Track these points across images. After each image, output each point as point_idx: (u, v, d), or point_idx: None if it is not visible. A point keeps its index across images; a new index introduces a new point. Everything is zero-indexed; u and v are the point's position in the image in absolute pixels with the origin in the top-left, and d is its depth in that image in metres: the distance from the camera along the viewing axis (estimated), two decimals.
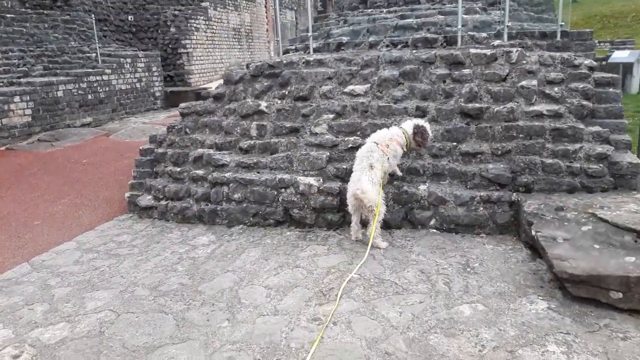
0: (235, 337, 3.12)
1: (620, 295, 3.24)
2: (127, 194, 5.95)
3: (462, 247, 4.31)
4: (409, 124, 4.62)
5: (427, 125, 4.64)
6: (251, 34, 20.55)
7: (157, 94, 14.25)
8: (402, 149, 4.57)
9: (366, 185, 4.20)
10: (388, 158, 4.47)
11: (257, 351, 2.97)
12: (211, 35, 17.16)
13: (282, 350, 2.97)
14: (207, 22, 16.87)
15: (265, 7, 22.31)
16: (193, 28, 16.07)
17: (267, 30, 21.49)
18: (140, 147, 6.31)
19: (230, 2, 18.63)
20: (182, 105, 6.22)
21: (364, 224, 4.54)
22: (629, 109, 10.12)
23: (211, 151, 5.51)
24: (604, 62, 14.75)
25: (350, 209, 4.46)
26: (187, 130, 6.04)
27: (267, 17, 21.77)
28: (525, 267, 3.88)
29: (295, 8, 27.40)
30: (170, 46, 15.82)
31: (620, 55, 14.81)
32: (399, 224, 4.81)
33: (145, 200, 5.66)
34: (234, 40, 18.92)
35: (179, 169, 5.62)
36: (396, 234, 4.67)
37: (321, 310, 3.39)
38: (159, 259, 4.40)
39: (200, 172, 5.40)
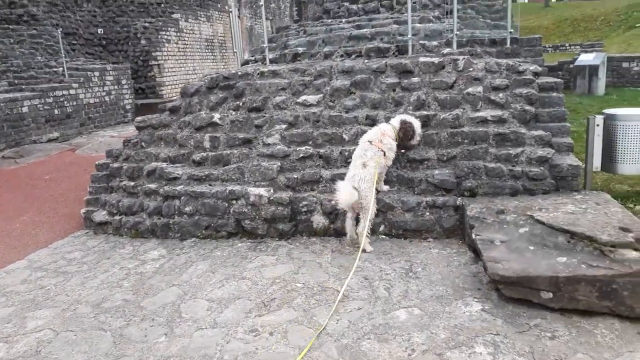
0: (170, 352, 3.13)
1: (551, 295, 3.32)
2: (82, 210, 5.91)
3: (409, 252, 4.38)
4: (396, 120, 4.73)
5: (414, 121, 4.73)
6: (224, 44, 20.58)
7: (128, 106, 14.18)
8: (395, 141, 4.64)
9: (360, 182, 4.30)
10: (384, 153, 4.53)
11: None
12: (183, 46, 17.16)
13: None
14: (178, 34, 16.86)
15: (239, 17, 22.37)
16: (164, 40, 16.06)
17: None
18: (96, 162, 6.28)
19: (202, 13, 18.66)
20: (138, 118, 6.22)
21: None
22: (594, 111, 10.34)
23: (164, 164, 5.51)
24: (571, 65, 15.11)
25: (343, 206, 4.44)
26: (143, 144, 6.04)
27: (240, 28, 21.82)
28: (466, 270, 3.95)
29: (271, 18, 27.54)
30: (141, 58, 15.77)
31: (586, 58, 15.13)
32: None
33: (100, 215, 5.63)
34: (206, 51, 18.94)
35: (133, 183, 5.61)
36: (346, 241, 4.72)
37: (260, 321, 3.41)
38: (106, 275, 4.38)
39: (153, 185, 5.40)
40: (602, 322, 3.13)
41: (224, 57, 20.38)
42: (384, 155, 4.54)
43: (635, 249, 3.39)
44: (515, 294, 3.40)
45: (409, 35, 6.19)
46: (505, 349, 2.94)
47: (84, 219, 5.87)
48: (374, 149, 4.49)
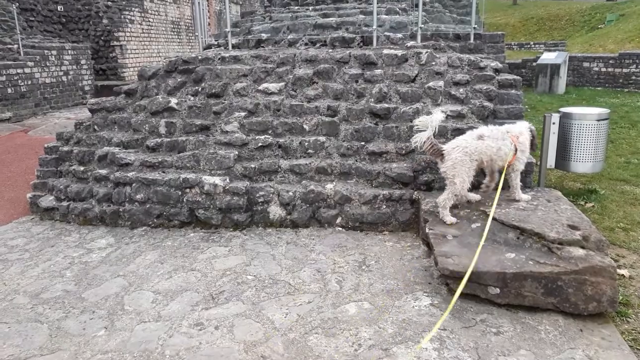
0: (108, 347, 3.00)
1: (498, 290, 3.36)
2: (29, 195, 5.63)
3: (363, 245, 4.35)
4: (524, 125, 4.23)
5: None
6: (192, 27, 20.04)
7: (87, 87, 13.63)
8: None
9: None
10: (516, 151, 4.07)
11: None
12: (147, 28, 16.60)
13: (155, 358, 2.87)
14: (142, 14, 16.30)
15: (208, 0, 21.83)
16: (127, 20, 15.49)
17: (209, 25, 21.02)
18: (45, 145, 5.99)
19: None
20: (91, 101, 5.95)
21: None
22: (553, 109, 10.59)
23: (116, 149, 5.29)
24: (534, 63, 15.42)
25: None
26: (96, 127, 5.79)
27: (209, 11, 21.29)
28: (418, 264, 3.96)
29: (240, 2, 27.01)
30: (102, 38, 15.17)
31: (548, 57, 15.45)
32: (306, 222, 4.80)
33: (47, 201, 5.37)
34: (172, 33, 18.40)
35: (83, 168, 5.37)
36: (302, 233, 4.66)
37: (206, 314, 3.31)
38: (48, 264, 4.18)
39: (104, 171, 5.18)
40: (546, 319, 3.18)
41: (190, 40, 19.86)
42: (515, 153, 4.06)
43: (582, 247, 3.45)
44: (465, 288, 3.40)
45: (374, 27, 6.13)
46: (451, 344, 2.94)
47: (30, 204, 5.60)
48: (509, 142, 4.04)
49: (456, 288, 3.44)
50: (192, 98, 5.59)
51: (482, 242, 3.48)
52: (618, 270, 3.70)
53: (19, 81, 11.36)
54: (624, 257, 3.98)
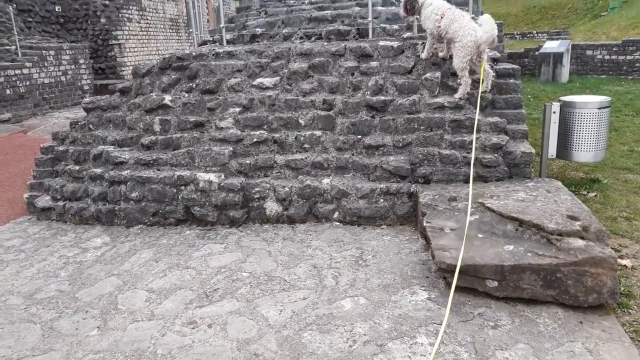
0: (101, 346, 2.96)
1: (496, 283, 3.29)
2: (25, 195, 5.62)
3: (361, 240, 4.29)
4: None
5: None
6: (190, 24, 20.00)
7: (86, 87, 13.62)
8: None
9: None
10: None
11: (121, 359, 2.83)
12: (145, 25, 16.55)
13: (147, 357, 2.84)
14: (140, 13, 16.25)
15: None
16: (125, 18, 15.44)
17: (208, 21, 20.96)
18: (41, 145, 5.96)
19: None
20: (86, 100, 5.91)
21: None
22: (556, 98, 10.45)
23: (111, 148, 5.25)
24: (537, 52, 15.26)
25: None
26: (91, 126, 5.75)
27: (207, 7, 21.22)
28: (416, 258, 3.90)
29: None
30: (100, 37, 15.14)
31: (551, 46, 15.28)
32: (303, 218, 4.75)
33: (43, 201, 5.35)
34: (171, 30, 18.35)
35: (78, 168, 5.34)
36: (299, 229, 4.61)
37: (200, 312, 3.27)
38: (43, 264, 4.15)
39: (98, 170, 5.14)
40: (545, 311, 3.12)
41: (190, 37, 19.80)
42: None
43: (582, 238, 3.38)
44: (462, 282, 3.35)
45: (370, 18, 6.04)
46: (447, 339, 2.89)
47: (26, 205, 5.58)
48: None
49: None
50: (186, 95, 5.54)
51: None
52: (620, 261, 3.63)
53: (18, 82, 11.35)
54: (627, 247, 3.90)
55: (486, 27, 4.49)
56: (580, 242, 3.33)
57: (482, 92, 4.75)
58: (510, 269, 3.25)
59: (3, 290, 3.75)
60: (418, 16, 5.12)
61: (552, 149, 5.13)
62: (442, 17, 4.74)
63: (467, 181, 4.58)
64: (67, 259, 4.23)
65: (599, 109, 4.98)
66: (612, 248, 3.65)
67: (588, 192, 5.09)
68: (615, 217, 4.45)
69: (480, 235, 3.65)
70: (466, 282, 3.34)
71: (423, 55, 5.17)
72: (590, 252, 3.20)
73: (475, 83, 4.83)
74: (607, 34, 20.76)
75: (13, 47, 11.95)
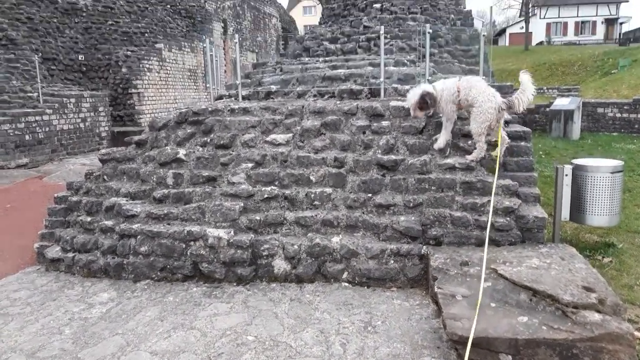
0: None
1: (510, 358, 3.18)
2: (36, 245, 5.64)
3: (370, 303, 4.20)
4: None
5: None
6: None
7: (103, 134, 13.96)
8: None
9: None
10: None
11: None
12: (165, 75, 17.12)
13: None
14: (160, 63, 16.85)
15: (224, 49, 22.56)
16: (145, 68, 16.00)
17: (225, 72, 21.64)
18: (55, 195, 6.04)
19: (186, 44, 18.74)
20: (102, 151, 6.04)
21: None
22: (568, 155, 10.46)
23: (123, 200, 5.30)
24: (547, 109, 15.41)
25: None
26: (105, 177, 5.84)
27: (225, 59, 21.96)
28: (427, 325, 3.79)
29: (256, 50, 27.87)
30: (121, 86, 15.65)
31: (562, 103, 15.44)
32: (311, 277, 4.69)
33: (53, 252, 5.36)
34: (189, 80, 18.93)
35: (90, 219, 5.38)
36: (307, 289, 4.54)
37: None
38: (48, 320, 4.10)
39: (109, 222, 5.17)
40: None
41: (208, 87, 20.41)
42: None
43: (598, 311, 3.28)
44: (474, 355, 3.23)
45: (382, 79, 6.19)
46: None
47: (37, 255, 5.59)
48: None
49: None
50: (200, 149, 5.63)
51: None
52: (637, 334, 3.49)
53: (37, 128, 11.68)
54: None
55: (529, 91, 4.53)
56: (596, 316, 3.23)
57: (495, 156, 4.76)
58: (524, 343, 3.14)
59: (6, 347, 3.69)
60: (434, 108, 4.92)
61: (565, 212, 5.06)
62: (458, 91, 4.74)
63: (479, 244, 4.52)
64: (72, 315, 4.18)
65: (612, 173, 4.95)
66: (629, 319, 3.53)
67: (603, 257, 4.98)
68: (631, 285, 4.33)
69: (493, 305, 3.56)
70: (479, 355, 3.23)
71: (437, 146, 5.00)
72: (607, 328, 3.10)
73: (489, 146, 4.86)
74: (618, 91, 21.00)
75: (35, 94, 12.39)
